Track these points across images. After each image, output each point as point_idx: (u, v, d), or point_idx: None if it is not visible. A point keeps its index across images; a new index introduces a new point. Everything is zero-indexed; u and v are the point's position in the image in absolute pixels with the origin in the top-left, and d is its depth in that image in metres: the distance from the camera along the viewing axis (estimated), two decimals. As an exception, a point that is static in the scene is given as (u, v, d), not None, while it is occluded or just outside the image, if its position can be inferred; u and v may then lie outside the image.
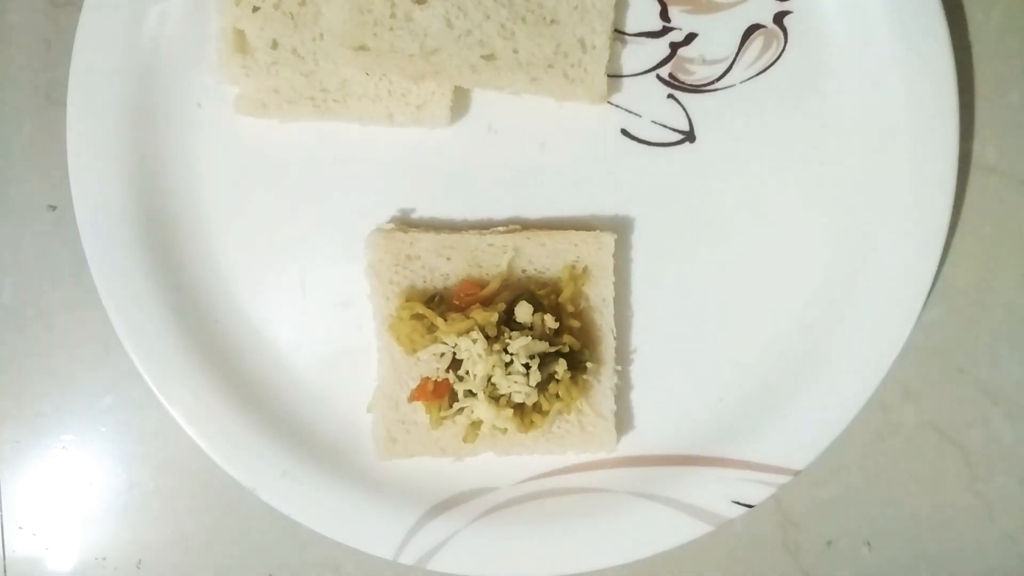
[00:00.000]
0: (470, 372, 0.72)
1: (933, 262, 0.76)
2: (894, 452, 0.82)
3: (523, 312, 0.73)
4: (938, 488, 0.82)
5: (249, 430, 0.76)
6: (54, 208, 0.80)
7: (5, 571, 0.81)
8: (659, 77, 0.78)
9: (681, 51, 0.77)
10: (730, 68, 0.78)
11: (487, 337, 0.71)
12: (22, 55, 0.80)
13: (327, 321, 0.78)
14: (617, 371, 0.77)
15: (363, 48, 0.72)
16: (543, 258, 0.76)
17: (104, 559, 0.81)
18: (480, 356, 0.71)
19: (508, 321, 0.73)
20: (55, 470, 0.81)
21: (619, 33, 0.77)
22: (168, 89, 0.76)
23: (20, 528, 0.82)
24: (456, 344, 0.72)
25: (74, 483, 0.81)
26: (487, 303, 0.74)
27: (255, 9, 0.74)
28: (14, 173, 0.80)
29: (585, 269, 0.76)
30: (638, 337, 0.79)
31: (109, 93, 0.75)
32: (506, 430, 0.74)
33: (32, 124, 0.80)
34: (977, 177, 0.81)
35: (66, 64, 0.74)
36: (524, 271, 0.76)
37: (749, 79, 0.78)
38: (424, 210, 0.78)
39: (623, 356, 0.78)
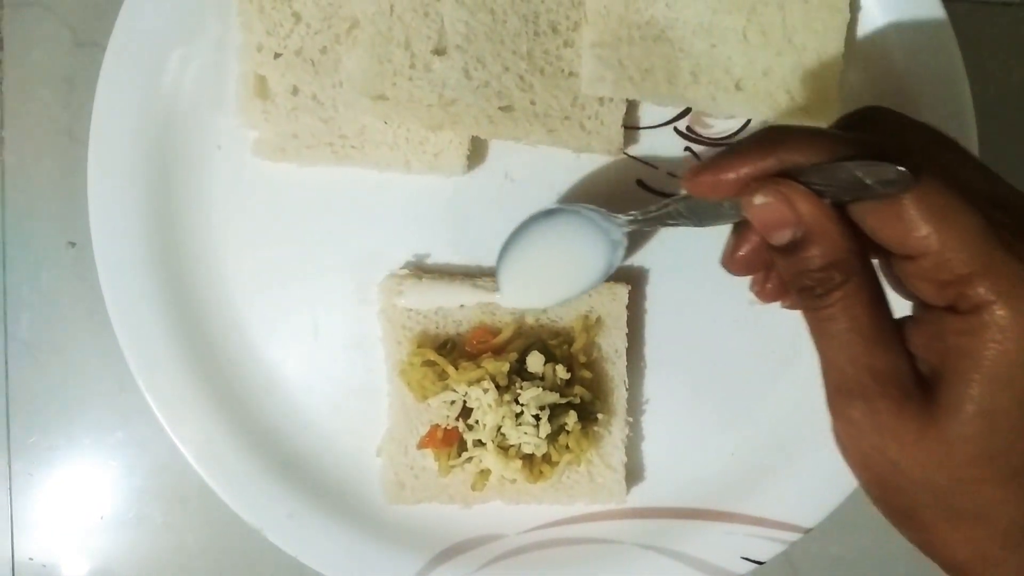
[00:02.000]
0: (480, 421, 0.72)
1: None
2: (907, 510, 0.81)
3: (535, 362, 0.73)
4: (951, 547, 0.81)
5: (258, 470, 0.76)
6: (73, 245, 0.81)
7: (14, 603, 0.82)
8: (676, 130, 0.78)
9: (699, 103, 0.77)
10: (748, 123, 0.77)
11: (498, 387, 0.71)
12: (45, 92, 0.81)
13: (339, 364, 0.78)
14: (628, 422, 0.76)
15: (382, 97, 0.72)
16: (556, 307, 0.76)
17: (111, 594, 0.82)
18: (490, 406, 0.71)
19: (519, 371, 0.73)
20: (66, 503, 0.82)
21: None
22: (188, 131, 0.77)
23: (30, 559, 0.82)
24: (467, 393, 0.72)
25: (84, 516, 0.82)
26: (499, 351, 0.74)
27: (276, 55, 0.75)
28: (35, 209, 0.81)
29: (598, 319, 0.76)
30: (650, 388, 0.78)
31: (130, 133, 0.75)
32: (515, 480, 0.73)
33: (53, 161, 0.81)
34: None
35: (88, 103, 0.75)
36: (537, 320, 0.76)
37: (767, 133, 0.78)
38: (439, 256, 0.78)
39: (634, 407, 0.78)
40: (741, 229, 0.58)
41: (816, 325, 0.50)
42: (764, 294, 0.60)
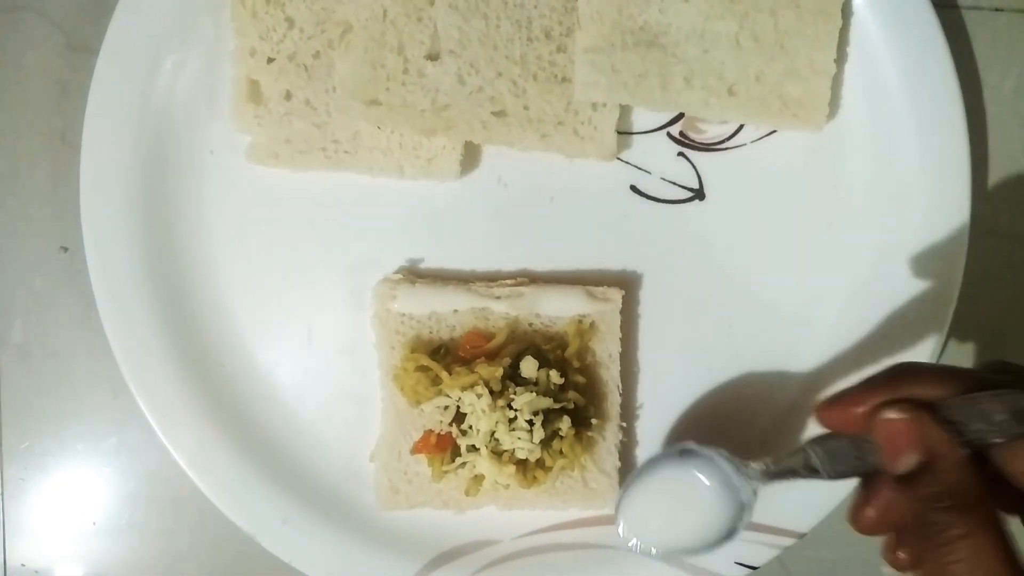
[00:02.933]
0: (473, 427, 0.72)
1: (944, 325, 0.75)
2: (901, 515, 0.81)
3: (528, 367, 0.73)
4: (945, 552, 0.81)
5: (251, 476, 0.76)
6: (66, 250, 0.81)
7: (6, 609, 0.82)
8: (670, 135, 0.78)
9: (692, 109, 0.78)
10: (741, 128, 0.78)
11: (491, 392, 0.71)
12: (38, 97, 0.81)
13: (332, 369, 0.78)
14: (622, 427, 0.76)
15: (375, 102, 0.72)
16: (554, 315, 0.76)
17: (105, 600, 0.81)
18: (484, 412, 0.71)
19: (513, 376, 0.73)
20: (58, 508, 0.82)
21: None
22: (181, 136, 0.77)
23: (23, 565, 0.82)
24: (460, 398, 0.72)
25: (77, 522, 0.82)
26: (492, 356, 0.74)
27: (270, 60, 0.75)
28: (28, 214, 0.81)
29: (592, 324, 0.76)
30: (644, 393, 0.78)
31: (123, 137, 0.76)
32: (509, 485, 0.73)
33: (47, 166, 0.81)
34: (990, 242, 0.80)
35: (82, 107, 0.75)
36: (531, 324, 0.76)
37: (760, 139, 0.78)
38: (432, 261, 0.78)
39: (628, 412, 0.78)
40: (870, 483, 0.56)
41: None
42: (897, 562, 0.56)
